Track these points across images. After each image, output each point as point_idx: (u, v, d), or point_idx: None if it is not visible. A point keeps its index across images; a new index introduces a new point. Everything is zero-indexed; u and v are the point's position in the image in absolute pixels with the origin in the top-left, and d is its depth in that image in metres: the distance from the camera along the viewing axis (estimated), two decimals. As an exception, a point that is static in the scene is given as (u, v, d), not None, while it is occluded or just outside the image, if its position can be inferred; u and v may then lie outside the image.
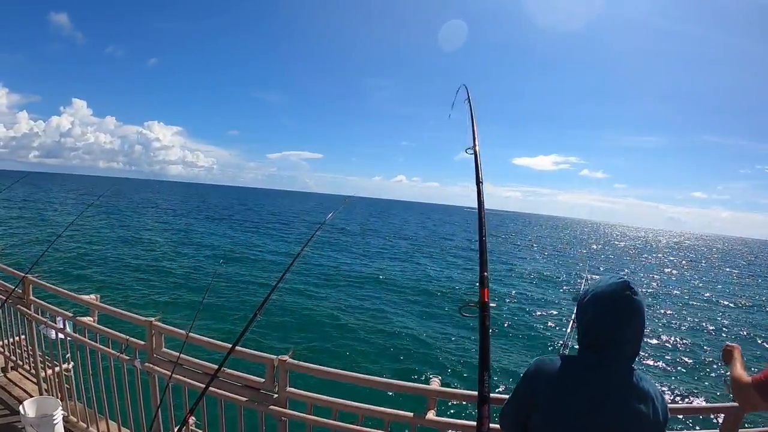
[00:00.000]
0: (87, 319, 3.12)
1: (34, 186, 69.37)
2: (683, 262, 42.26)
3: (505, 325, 12.10)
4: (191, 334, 2.34)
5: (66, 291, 3.26)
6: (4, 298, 3.46)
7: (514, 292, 16.94)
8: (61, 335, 3.22)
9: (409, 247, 30.51)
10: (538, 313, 13.91)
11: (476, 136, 2.05)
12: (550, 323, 12.78)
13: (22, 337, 3.81)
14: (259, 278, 15.36)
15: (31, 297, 3.50)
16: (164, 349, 2.63)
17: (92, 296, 3.32)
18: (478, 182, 1.91)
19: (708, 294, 21.65)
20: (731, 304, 19.16)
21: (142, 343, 2.68)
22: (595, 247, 52.38)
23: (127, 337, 2.75)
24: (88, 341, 3.03)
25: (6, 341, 3.95)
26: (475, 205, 1.84)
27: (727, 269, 39.52)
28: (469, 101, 2.17)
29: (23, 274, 3.50)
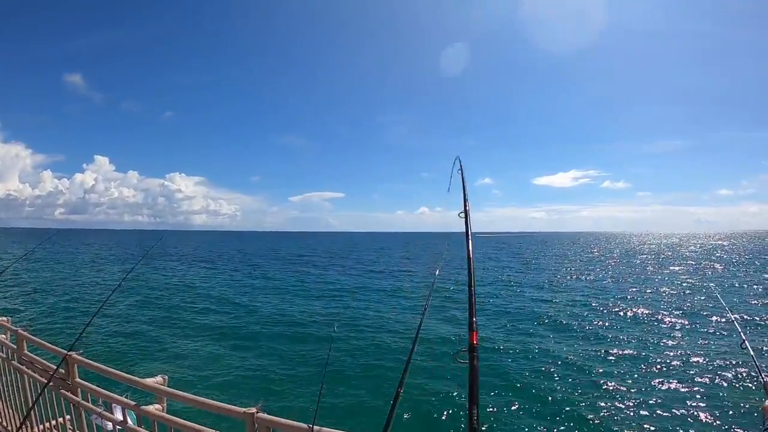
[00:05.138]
0: (153, 408, 2.51)
1: (58, 244, 65.76)
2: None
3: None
4: (316, 428, 1.81)
5: (120, 372, 2.66)
6: (45, 381, 2.83)
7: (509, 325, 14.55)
8: (119, 427, 2.54)
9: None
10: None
11: (467, 202, 2.22)
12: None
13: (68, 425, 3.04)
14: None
15: (77, 379, 2.93)
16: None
17: (158, 378, 2.73)
18: (468, 238, 1.99)
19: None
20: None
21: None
22: (614, 257, 49.38)
23: None
24: None
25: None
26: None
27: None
28: (462, 174, 2.40)
29: (66, 352, 2.89)
